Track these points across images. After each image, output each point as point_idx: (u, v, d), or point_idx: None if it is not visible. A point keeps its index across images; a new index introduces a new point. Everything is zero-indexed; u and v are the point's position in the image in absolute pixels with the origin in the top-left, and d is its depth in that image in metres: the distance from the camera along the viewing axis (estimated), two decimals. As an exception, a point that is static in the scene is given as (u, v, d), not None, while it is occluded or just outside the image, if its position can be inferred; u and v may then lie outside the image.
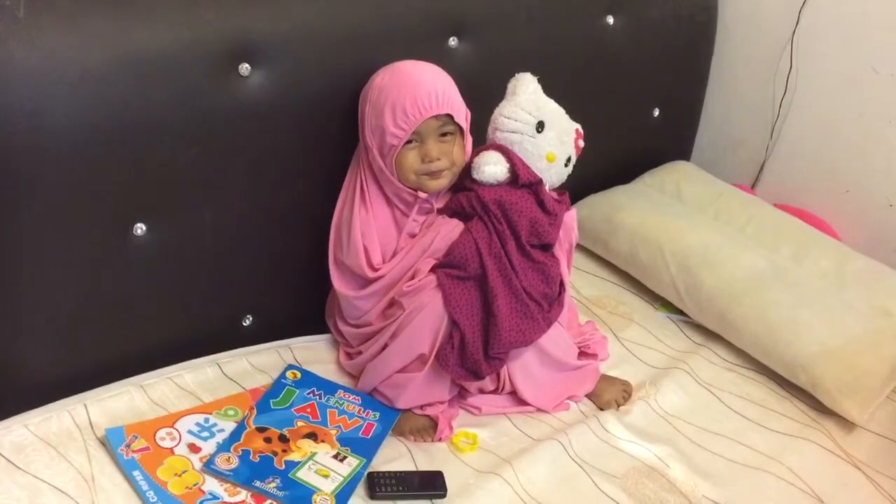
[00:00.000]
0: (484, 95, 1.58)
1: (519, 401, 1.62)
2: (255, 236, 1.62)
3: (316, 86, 1.56)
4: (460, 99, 1.52)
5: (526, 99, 1.54)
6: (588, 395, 1.69)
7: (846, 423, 1.65)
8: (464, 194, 1.53)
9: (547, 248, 1.57)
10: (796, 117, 2.17)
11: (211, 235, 1.57)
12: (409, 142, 1.48)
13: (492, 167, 1.51)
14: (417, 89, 1.46)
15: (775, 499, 1.49)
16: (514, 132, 1.53)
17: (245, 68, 1.46)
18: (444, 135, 1.50)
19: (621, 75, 2.06)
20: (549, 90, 1.63)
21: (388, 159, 1.49)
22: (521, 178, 1.51)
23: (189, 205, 1.52)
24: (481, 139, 1.59)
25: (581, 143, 1.60)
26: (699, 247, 1.90)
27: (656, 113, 2.21)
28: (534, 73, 1.57)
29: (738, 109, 2.29)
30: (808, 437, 1.62)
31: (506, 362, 1.55)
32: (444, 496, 1.42)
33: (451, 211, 1.55)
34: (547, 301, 1.56)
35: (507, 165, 1.52)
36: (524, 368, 1.59)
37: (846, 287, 1.83)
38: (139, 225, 1.47)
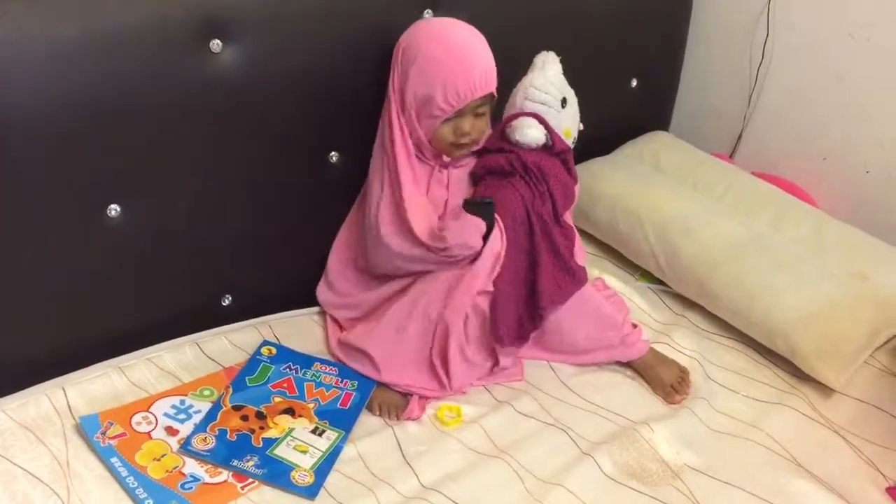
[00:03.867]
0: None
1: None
2: (232, 215, 1.61)
3: (290, 61, 1.54)
4: (495, 66, 1.55)
5: (554, 74, 1.62)
6: (642, 375, 1.67)
7: (825, 389, 1.65)
8: (503, 155, 1.59)
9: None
10: (773, 85, 2.17)
11: (187, 215, 1.56)
12: None
13: (535, 131, 1.58)
14: (471, 68, 1.50)
15: (756, 465, 1.50)
16: (543, 104, 1.61)
17: (216, 44, 1.44)
18: (479, 114, 1.56)
19: (598, 45, 2.05)
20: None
21: (423, 123, 1.54)
22: (556, 146, 1.60)
23: (163, 185, 1.50)
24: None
25: (581, 126, 1.68)
26: (678, 216, 1.90)
27: (634, 83, 2.20)
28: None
29: (715, 78, 2.29)
30: (788, 404, 1.63)
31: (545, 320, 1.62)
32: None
33: (485, 170, 1.61)
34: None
35: (545, 132, 1.59)
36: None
37: (824, 253, 1.83)
38: (113, 206, 1.46)
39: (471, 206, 1.53)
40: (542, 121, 1.60)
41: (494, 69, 1.54)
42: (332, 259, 1.71)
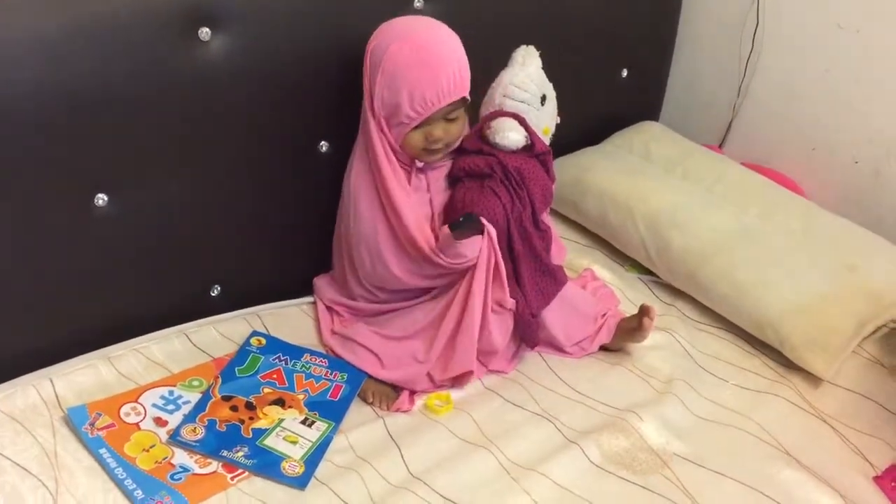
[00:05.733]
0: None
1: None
2: (221, 204, 1.60)
3: (280, 50, 1.53)
4: (468, 67, 1.48)
5: (534, 70, 1.59)
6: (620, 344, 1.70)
7: (814, 379, 1.66)
8: (482, 157, 1.56)
9: None
10: (763, 75, 2.17)
11: (175, 206, 1.55)
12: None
13: (515, 134, 1.55)
14: (438, 73, 1.42)
15: (745, 454, 1.50)
16: (523, 102, 1.57)
17: (205, 32, 1.44)
18: (451, 119, 1.49)
19: (589, 36, 2.04)
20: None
21: (393, 129, 1.49)
22: (536, 148, 1.57)
23: (152, 175, 1.50)
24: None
25: (558, 119, 1.65)
26: (668, 207, 1.90)
27: (624, 73, 2.20)
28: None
29: (705, 68, 2.29)
30: (777, 393, 1.63)
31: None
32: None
33: (463, 172, 1.57)
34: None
35: (525, 134, 1.56)
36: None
37: (813, 244, 1.84)
38: (100, 196, 1.45)
39: (458, 230, 1.45)
40: (521, 121, 1.56)
41: (466, 70, 1.46)
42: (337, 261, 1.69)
